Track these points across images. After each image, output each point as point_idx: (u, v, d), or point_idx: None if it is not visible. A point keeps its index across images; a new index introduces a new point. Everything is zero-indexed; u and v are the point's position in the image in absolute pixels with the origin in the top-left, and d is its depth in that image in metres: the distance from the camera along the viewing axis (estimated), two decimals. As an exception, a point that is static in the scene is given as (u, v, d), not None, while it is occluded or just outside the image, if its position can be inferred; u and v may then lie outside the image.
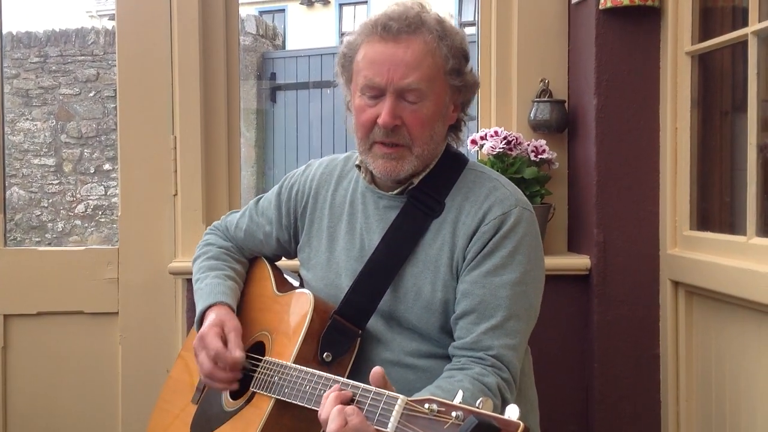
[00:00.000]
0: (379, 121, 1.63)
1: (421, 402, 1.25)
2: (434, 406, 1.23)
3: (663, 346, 2.39)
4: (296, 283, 1.93)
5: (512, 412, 1.17)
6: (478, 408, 1.19)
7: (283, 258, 2.03)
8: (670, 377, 2.35)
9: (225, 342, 1.70)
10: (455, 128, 1.79)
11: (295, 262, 1.95)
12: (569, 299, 2.50)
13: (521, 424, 1.16)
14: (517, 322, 1.63)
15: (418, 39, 1.64)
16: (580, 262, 2.46)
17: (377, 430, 1.30)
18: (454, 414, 1.20)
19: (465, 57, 1.72)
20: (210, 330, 1.71)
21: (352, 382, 1.41)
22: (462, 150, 1.85)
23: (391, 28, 1.63)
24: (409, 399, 1.28)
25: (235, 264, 1.97)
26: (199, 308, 1.81)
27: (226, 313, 1.77)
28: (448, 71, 1.68)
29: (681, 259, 2.28)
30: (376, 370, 1.37)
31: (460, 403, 1.22)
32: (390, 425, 1.28)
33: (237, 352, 1.68)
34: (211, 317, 1.76)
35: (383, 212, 1.75)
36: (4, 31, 2.77)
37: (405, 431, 1.25)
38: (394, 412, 1.28)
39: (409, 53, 1.63)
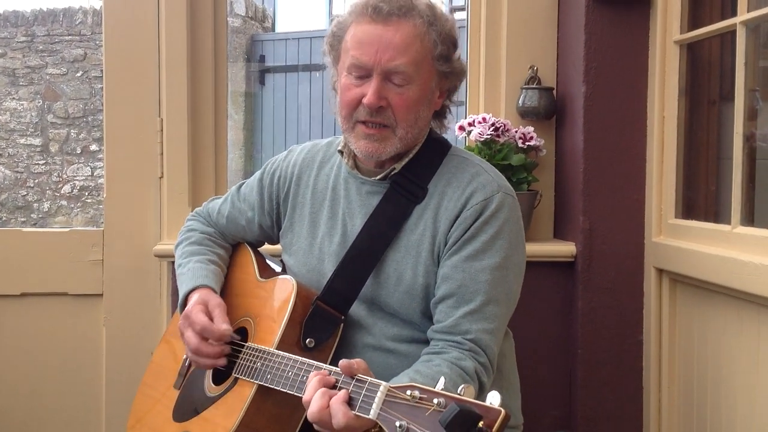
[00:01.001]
0: (365, 101, 1.63)
1: (403, 389, 1.25)
2: (416, 393, 1.23)
3: (646, 334, 2.41)
4: (279, 269, 1.93)
5: (494, 399, 1.17)
6: (459, 395, 1.20)
7: (266, 243, 2.03)
8: (652, 364, 2.37)
9: (211, 318, 1.71)
10: (440, 115, 1.80)
11: (277, 248, 1.95)
12: (554, 286, 2.51)
13: (502, 410, 1.16)
14: (496, 306, 1.64)
15: (408, 22, 1.64)
16: (566, 248, 2.47)
17: (358, 415, 1.31)
18: (435, 401, 1.20)
19: (454, 44, 1.72)
20: (194, 307, 1.71)
21: (334, 368, 1.41)
22: (449, 136, 1.86)
23: (382, 10, 1.63)
24: (391, 386, 1.28)
25: (217, 249, 1.97)
26: (181, 292, 1.81)
27: (209, 292, 1.78)
28: (436, 56, 1.68)
29: (666, 247, 2.29)
30: (344, 363, 1.37)
31: (441, 389, 1.22)
32: (372, 412, 1.28)
33: (223, 325, 1.68)
34: (194, 298, 1.76)
35: (366, 198, 1.75)
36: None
37: (387, 417, 1.25)
38: (376, 399, 1.28)
39: (398, 36, 1.62)
